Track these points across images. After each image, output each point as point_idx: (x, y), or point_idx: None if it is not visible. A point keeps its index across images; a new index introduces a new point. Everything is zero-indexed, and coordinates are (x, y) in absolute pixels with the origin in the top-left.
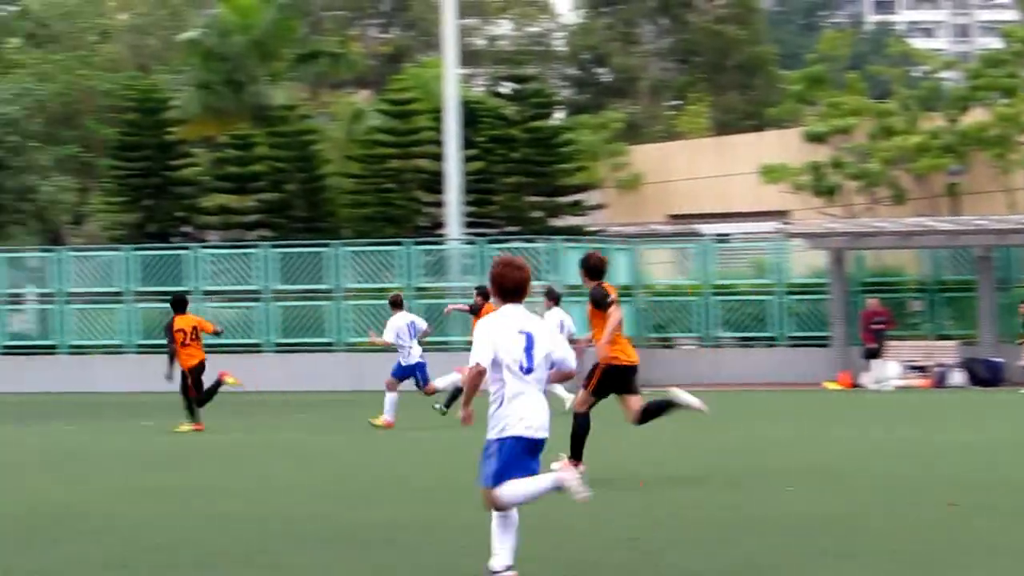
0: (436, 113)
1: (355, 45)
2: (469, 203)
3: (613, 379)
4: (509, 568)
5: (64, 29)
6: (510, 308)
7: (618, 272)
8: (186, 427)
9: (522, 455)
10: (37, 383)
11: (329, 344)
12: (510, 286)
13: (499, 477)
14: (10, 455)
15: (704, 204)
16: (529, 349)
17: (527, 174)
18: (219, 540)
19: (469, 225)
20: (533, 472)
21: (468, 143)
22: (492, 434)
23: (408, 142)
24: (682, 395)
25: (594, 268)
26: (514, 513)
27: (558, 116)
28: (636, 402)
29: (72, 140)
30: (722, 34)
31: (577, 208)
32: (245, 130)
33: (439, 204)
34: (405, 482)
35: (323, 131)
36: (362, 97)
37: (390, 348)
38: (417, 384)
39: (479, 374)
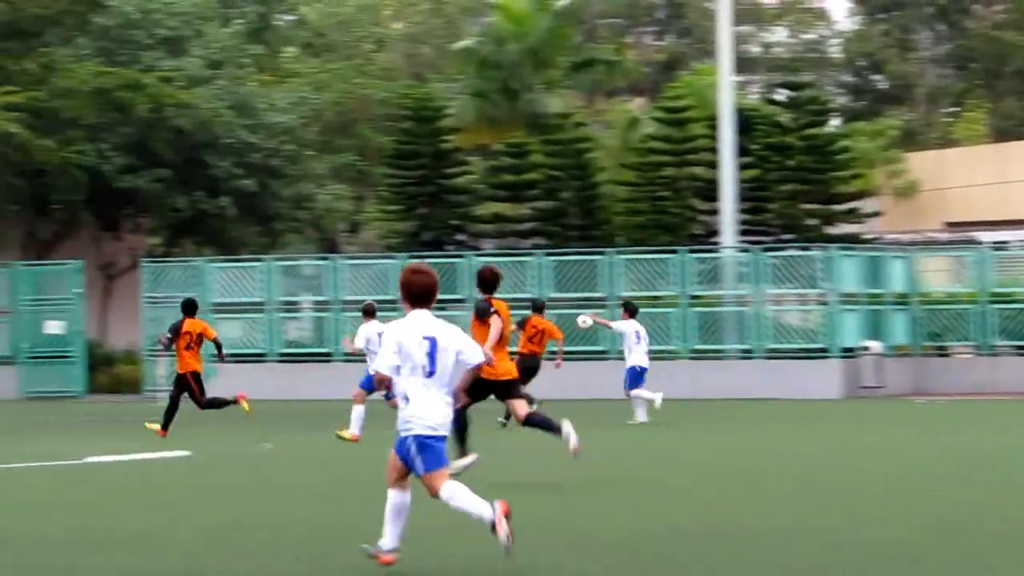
0: (711, 121)
1: (630, 53)
2: (744, 211)
3: (482, 389)
4: (394, 550)
5: (340, 38)
6: (416, 313)
7: (894, 280)
8: (154, 426)
9: (423, 450)
10: (312, 390)
11: (603, 352)
12: (417, 291)
13: (428, 465)
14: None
15: (981, 211)
16: (432, 353)
17: (802, 182)
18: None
19: (744, 233)
20: (435, 463)
21: (743, 151)
22: (402, 431)
23: (683, 150)
24: (568, 431)
25: (486, 281)
26: (407, 499)
27: (834, 123)
28: (521, 407)
29: (348, 148)
30: (1000, 40)
31: (853, 216)
32: (520, 138)
33: (714, 212)
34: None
35: (598, 139)
36: (637, 105)
37: (361, 355)
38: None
39: (384, 380)
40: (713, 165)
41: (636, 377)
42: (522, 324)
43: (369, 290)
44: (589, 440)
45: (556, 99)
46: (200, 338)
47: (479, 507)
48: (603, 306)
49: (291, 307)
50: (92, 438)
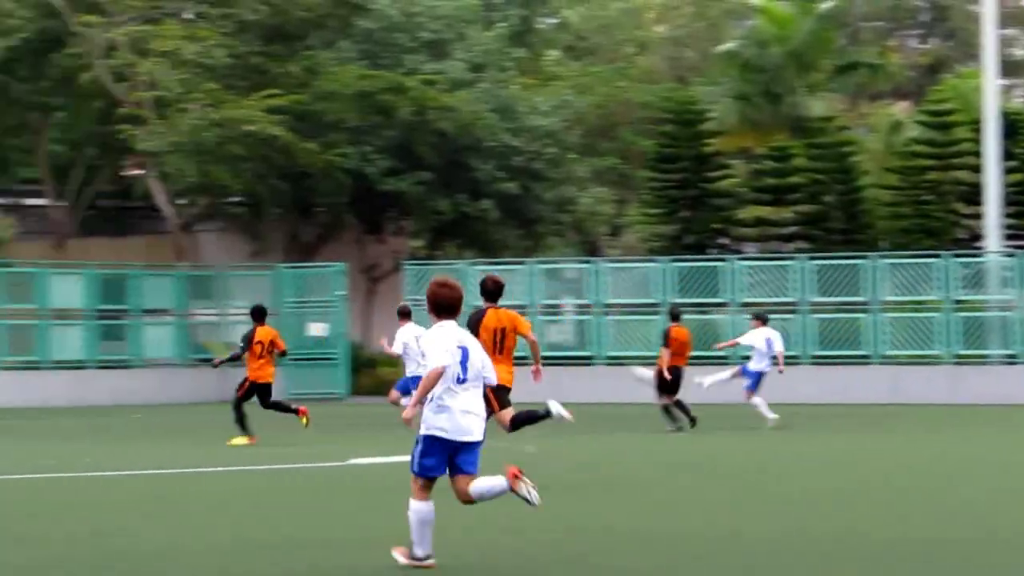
0: (975, 124)
1: (894, 56)
2: (1008, 215)
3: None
4: (429, 556)
5: (602, 41)
6: (447, 323)
7: None
8: (239, 440)
9: (441, 452)
10: (573, 393)
11: (866, 357)
12: (444, 303)
13: (422, 467)
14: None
15: None
16: (464, 362)
17: None
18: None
19: (1008, 237)
20: (462, 468)
21: (1008, 155)
22: (421, 430)
23: (947, 154)
24: (554, 406)
25: (487, 291)
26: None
27: None
28: (507, 414)
29: (610, 152)
30: None
31: None
32: (782, 141)
33: (978, 216)
34: None
35: (861, 143)
36: (900, 108)
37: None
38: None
39: (441, 373)
40: (977, 169)
41: (757, 381)
42: (666, 339)
43: (630, 293)
44: (825, 445)
45: (819, 102)
46: (272, 346)
47: (497, 483)
48: (865, 310)
49: (553, 310)
50: (357, 440)
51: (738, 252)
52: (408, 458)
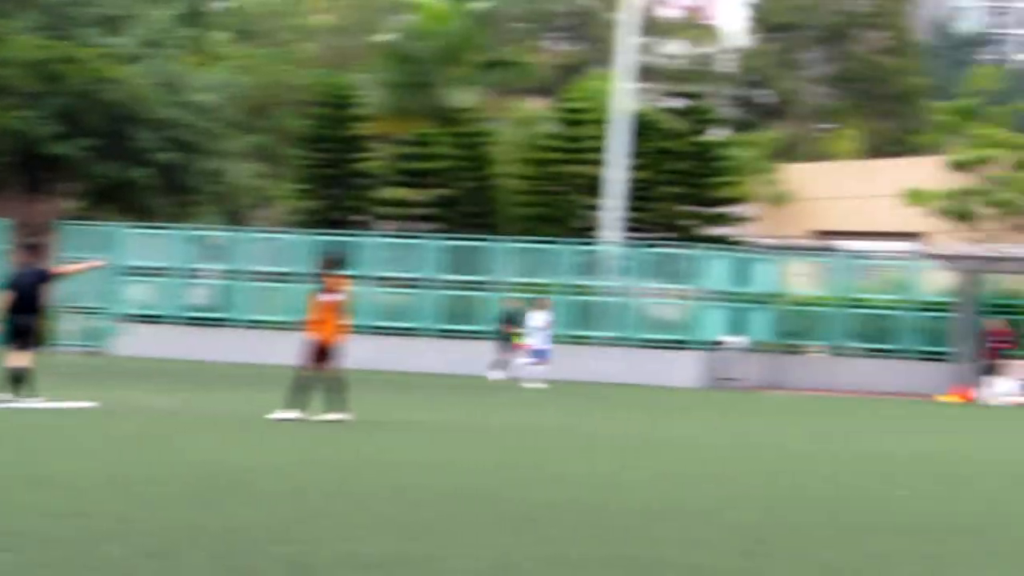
0: (604, 123)
1: (538, 56)
2: (632, 209)
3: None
4: None
5: (269, 27)
6: None
7: (760, 281)
8: None
9: None
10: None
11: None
12: None
13: None
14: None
15: (847, 223)
16: None
17: (686, 185)
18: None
19: (631, 229)
20: None
21: (636, 153)
22: None
23: (574, 148)
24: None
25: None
26: None
27: (721, 133)
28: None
29: (264, 130)
30: (881, 65)
31: (728, 220)
32: (426, 129)
33: (597, 208)
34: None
35: (498, 134)
36: (537, 105)
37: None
38: None
39: None
40: (601, 164)
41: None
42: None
43: (272, 262)
44: None
45: (465, 95)
46: None
47: None
48: (488, 288)
49: (195, 274)
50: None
51: (376, 230)
52: None
